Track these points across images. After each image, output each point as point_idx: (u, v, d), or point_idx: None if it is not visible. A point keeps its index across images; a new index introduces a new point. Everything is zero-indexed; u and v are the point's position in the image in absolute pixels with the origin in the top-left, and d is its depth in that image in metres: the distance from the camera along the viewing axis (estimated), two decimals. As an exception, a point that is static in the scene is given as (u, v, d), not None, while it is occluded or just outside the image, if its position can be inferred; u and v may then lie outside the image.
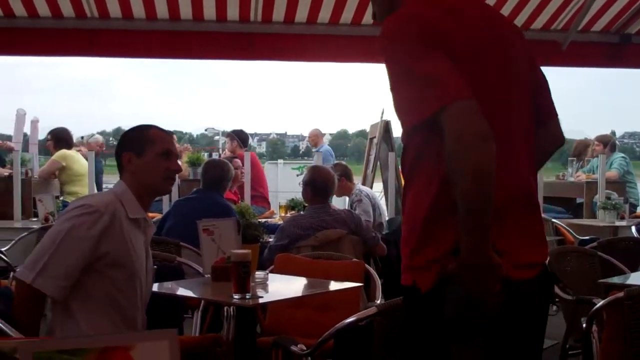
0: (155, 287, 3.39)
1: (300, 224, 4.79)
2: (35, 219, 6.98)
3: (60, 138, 8.01)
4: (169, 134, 3.11)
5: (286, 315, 3.93)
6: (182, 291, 3.60)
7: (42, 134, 14.11)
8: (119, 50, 6.56)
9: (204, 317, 3.90)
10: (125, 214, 2.79)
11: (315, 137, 11.21)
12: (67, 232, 2.67)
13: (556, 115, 2.21)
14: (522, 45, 2.10)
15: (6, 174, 7.58)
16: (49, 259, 2.63)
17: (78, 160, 7.89)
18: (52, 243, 2.66)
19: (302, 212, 6.15)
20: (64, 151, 7.84)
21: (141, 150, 2.90)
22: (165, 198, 7.27)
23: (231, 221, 3.67)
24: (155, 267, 3.77)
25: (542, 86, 2.17)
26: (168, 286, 3.57)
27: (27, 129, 12.66)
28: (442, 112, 1.75)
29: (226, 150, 8.86)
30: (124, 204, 2.81)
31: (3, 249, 5.28)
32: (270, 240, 4.86)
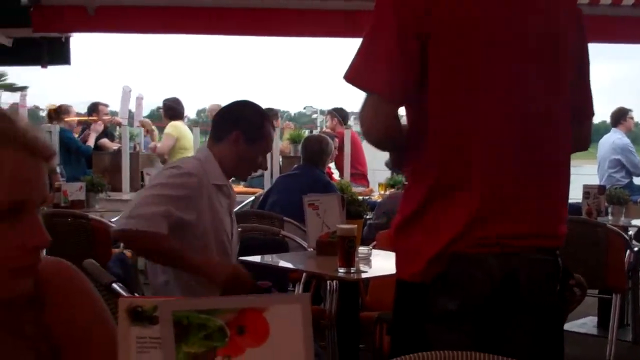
0: (258, 258, 3.47)
1: (398, 201, 4.76)
2: (142, 192, 7.21)
3: (173, 107, 8.21)
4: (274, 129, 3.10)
5: (388, 291, 3.92)
6: (286, 264, 3.65)
7: (146, 111, 14.53)
8: (223, 27, 6.62)
9: (305, 290, 3.94)
10: (208, 179, 2.79)
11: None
12: (159, 189, 2.68)
13: (591, 115, 2.11)
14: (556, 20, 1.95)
15: (115, 148, 7.86)
16: (138, 206, 2.62)
17: (186, 134, 8.07)
18: (143, 197, 2.67)
19: (401, 190, 6.13)
20: (175, 123, 8.02)
21: (253, 139, 2.90)
22: (267, 174, 7.39)
23: (336, 196, 3.69)
24: (260, 239, 3.86)
25: (582, 76, 2.04)
26: (273, 259, 3.63)
27: (132, 106, 13.08)
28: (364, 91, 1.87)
29: (326, 127, 8.91)
30: (207, 171, 2.81)
31: (113, 220, 5.48)
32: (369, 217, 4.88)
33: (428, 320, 1.89)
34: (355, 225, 3.16)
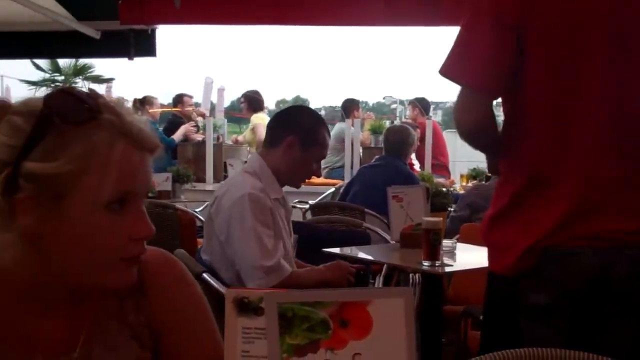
0: (337, 250, 3.48)
1: (483, 193, 4.69)
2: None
3: (254, 99, 8.31)
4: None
5: (471, 285, 3.89)
6: (368, 256, 3.65)
7: (226, 102, 14.72)
8: (305, 18, 6.63)
9: (385, 283, 3.94)
10: (269, 195, 2.81)
11: None
12: (256, 230, 2.70)
13: None
14: None
15: (199, 139, 8.01)
16: (254, 259, 2.69)
17: (269, 125, 8.15)
18: (249, 242, 2.69)
19: (484, 182, 6.04)
20: (259, 115, 8.12)
21: (308, 145, 2.89)
22: (347, 165, 7.41)
23: (420, 188, 3.67)
24: (343, 230, 3.87)
25: None
26: (355, 251, 3.64)
27: (213, 97, 13.30)
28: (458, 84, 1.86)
29: (406, 118, 8.87)
30: (265, 186, 2.82)
31: (197, 210, 5.60)
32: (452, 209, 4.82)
33: (520, 314, 1.86)
34: (441, 218, 3.13)
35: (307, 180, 3.05)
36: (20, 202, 1.07)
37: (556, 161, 1.83)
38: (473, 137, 1.91)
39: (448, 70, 1.87)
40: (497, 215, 1.93)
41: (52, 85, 18.04)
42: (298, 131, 2.89)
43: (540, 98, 1.83)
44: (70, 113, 1.07)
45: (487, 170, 6.17)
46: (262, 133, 7.98)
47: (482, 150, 2.06)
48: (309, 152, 2.90)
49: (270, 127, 3.05)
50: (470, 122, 1.87)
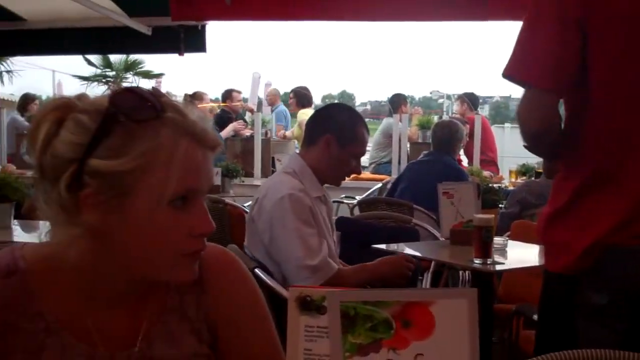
0: (390, 246, 3.47)
1: (534, 190, 4.64)
2: (273, 177, 7.38)
3: (302, 96, 8.35)
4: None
5: (523, 283, 3.85)
6: (418, 252, 3.63)
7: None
8: (354, 13, 6.61)
9: (434, 280, 3.92)
10: (309, 193, 2.81)
11: (273, 97, 10.91)
12: (300, 230, 2.71)
13: None
14: None
15: (247, 134, 8.06)
16: (298, 259, 2.70)
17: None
18: (293, 242, 2.71)
19: (534, 178, 5.97)
20: (306, 111, 8.15)
21: (345, 142, 2.88)
22: (394, 160, 7.39)
23: (471, 185, 3.64)
24: (391, 227, 3.86)
25: None
26: (404, 247, 3.62)
27: (260, 92, 13.37)
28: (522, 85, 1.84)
29: (454, 112, 8.81)
30: (305, 185, 2.82)
31: (246, 204, 5.64)
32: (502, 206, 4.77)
33: (577, 315, 1.84)
34: (493, 215, 3.10)
35: (353, 176, 3.06)
36: (85, 198, 1.09)
37: (621, 157, 1.79)
38: (539, 138, 1.86)
39: (512, 72, 1.84)
40: (556, 213, 1.90)
41: (104, 80, 18.32)
42: (334, 129, 2.89)
43: (605, 92, 1.79)
44: (135, 111, 1.09)
45: (536, 167, 6.10)
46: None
47: (544, 152, 2.02)
48: (347, 150, 2.90)
49: (308, 126, 3.05)
50: (537, 122, 1.83)
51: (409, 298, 0.88)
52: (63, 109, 1.12)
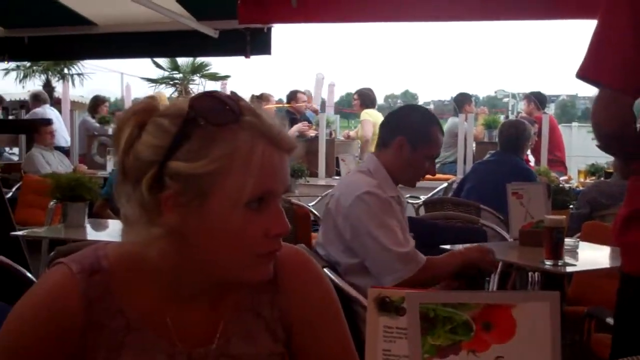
0: (456, 247, 3.44)
1: (604, 191, 4.53)
2: (337, 178, 7.40)
3: (367, 97, 8.35)
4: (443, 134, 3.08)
5: (593, 285, 3.77)
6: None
7: (336, 97, 14.81)
8: (416, 15, 6.58)
9: (501, 281, 3.87)
10: (386, 193, 2.81)
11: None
12: (386, 225, 2.72)
13: None
14: None
15: (312, 134, 8.10)
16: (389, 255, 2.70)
17: (380, 121, 8.15)
18: (380, 236, 2.71)
19: (603, 179, 5.84)
20: (369, 111, 8.14)
21: (417, 144, 2.87)
22: (460, 160, 7.32)
23: (542, 185, 3.58)
24: (459, 227, 3.83)
25: None
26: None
27: (324, 93, 13.42)
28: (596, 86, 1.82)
29: (522, 112, 8.67)
30: (381, 184, 2.82)
31: (310, 204, 5.67)
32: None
33: None
34: (564, 216, 3.05)
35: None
36: (166, 200, 1.12)
37: None
38: (613, 138, 1.83)
39: (586, 73, 1.82)
40: (632, 214, 1.86)
41: (171, 82, 18.66)
42: (407, 131, 2.89)
43: None
44: (214, 115, 1.12)
45: (606, 167, 5.96)
46: (367, 129, 8.03)
47: (618, 152, 1.99)
48: (419, 151, 2.88)
49: (382, 127, 3.05)
50: (611, 122, 1.79)
51: (489, 300, 0.88)
52: (144, 112, 1.15)
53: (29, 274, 2.93)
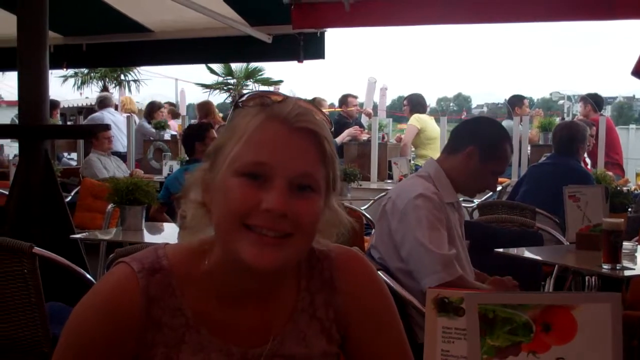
0: (512, 251, 3.42)
1: (664, 194, 4.44)
2: (389, 181, 7.39)
3: (417, 102, 8.32)
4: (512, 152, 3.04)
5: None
6: (542, 257, 3.56)
7: (388, 101, 14.79)
8: (471, 17, 6.52)
9: (557, 285, 3.82)
10: (442, 198, 2.79)
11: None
12: (429, 229, 2.70)
13: None
14: None
15: (364, 138, 8.10)
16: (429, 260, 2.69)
17: (431, 125, 8.13)
18: (422, 245, 2.69)
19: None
20: (418, 115, 8.13)
21: (487, 157, 2.85)
22: (514, 162, 7.24)
23: (599, 188, 3.53)
24: (514, 230, 3.79)
25: None
26: (527, 251, 3.56)
27: (376, 97, 13.41)
28: None
29: (578, 114, 8.54)
30: (438, 188, 2.81)
31: (363, 208, 5.67)
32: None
33: None
34: (622, 220, 3.00)
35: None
36: (204, 180, 1.22)
37: None
38: None
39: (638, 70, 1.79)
40: None
41: (225, 88, 18.86)
42: (480, 142, 2.86)
43: None
44: (244, 98, 1.21)
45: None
46: (409, 135, 8.02)
47: None
48: (487, 165, 2.86)
49: (453, 133, 3.03)
50: None
51: (550, 301, 0.88)
52: None
53: (88, 275, 3.02)
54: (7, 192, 4.66)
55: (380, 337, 1.31)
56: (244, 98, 1.21)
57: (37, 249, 2.77)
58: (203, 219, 1.21)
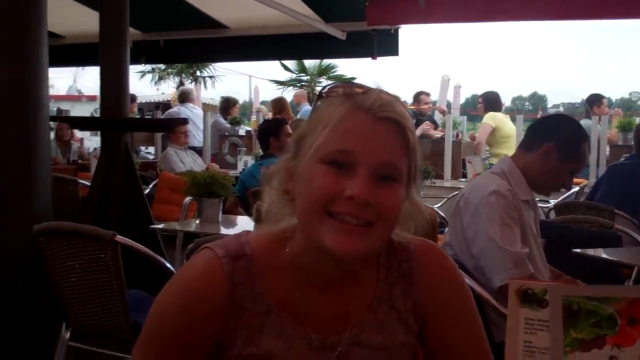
0: (590, 252, 3.35)
1: None
2: (463, 180, 7.32)
3: (492, 101, 8.21)
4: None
5: None
6: (621, 258, 3.48)
7: (462, 99, 14.65)
8: (551, 12, 6.40)
9: (638, 288, 3.73)
10: (517, 196, 2.75)
11: (298, 98, 11.53)
12: (502, 227, 2.67)
13: None
14: None
15: (438, 136, 8.04)
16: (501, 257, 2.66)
17: (506, 123, 8.01)
18: (496, 236, 2.67)
19: None
20: (493, 114, 8.02)
21: (565, 155, 2.79)
22: (592, 163, 7.07)
23: (683, 189, 3.43)
24: (592, 231, 3.72)
25: None
26: (605, 252, 3.48)
27: (449, 95, 13.30)
28: None
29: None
30: (512, 185, 2.77)
31: (436, 206, 5.63)
32: None
33: None
34: None
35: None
36: (287, 169, 1.24)
37: None
38: None
39: None
40: None
41: (298, 84, 18.98)
42: (558, 140, 2.81)
43: None
44: (329, 89, 1.22)
45: None
46: (482, 133, 7.90)
47: None
48: (564, 164, 2.81)
49: (530, 130, 2.99)
50: None
51: (636, 294, 0.87)
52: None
53: (167, 264, 3.09)
54: (89, 184, 4.82)
55: (459, 331, 1.31)
56: (327, 88, 1.23)
57: (119, 237, 2.84)
58: (285, 208, 1.24)
